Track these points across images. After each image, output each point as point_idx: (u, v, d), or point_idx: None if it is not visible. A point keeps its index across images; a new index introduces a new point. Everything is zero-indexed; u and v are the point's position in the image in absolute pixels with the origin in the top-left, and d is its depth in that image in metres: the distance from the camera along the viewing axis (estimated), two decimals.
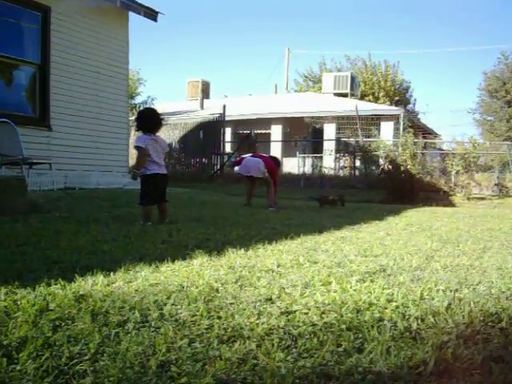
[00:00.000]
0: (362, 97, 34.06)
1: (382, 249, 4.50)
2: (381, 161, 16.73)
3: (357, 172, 19.91)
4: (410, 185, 14.71)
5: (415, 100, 42.38)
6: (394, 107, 27.02)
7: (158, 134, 6.32)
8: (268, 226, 6.01)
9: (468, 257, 4.20)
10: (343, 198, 10.33)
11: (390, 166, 15.35)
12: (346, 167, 20.66)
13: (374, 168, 18.52)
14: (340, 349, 1.88)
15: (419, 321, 2.24)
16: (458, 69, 77.63)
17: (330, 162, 21.65)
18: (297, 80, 42.83)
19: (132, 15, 12.76)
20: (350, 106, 22.54)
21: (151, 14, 12.79)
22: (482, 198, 15.56)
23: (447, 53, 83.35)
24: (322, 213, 8.71)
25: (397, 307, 2.43)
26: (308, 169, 21.46)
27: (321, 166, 21.54)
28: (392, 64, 38.90)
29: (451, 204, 14.19)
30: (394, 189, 14.40)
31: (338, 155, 21.51)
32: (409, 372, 1.68)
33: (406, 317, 2.29)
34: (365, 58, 39.43)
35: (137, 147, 6.05)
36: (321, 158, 22.24)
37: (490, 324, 2.24)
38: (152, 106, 6.96)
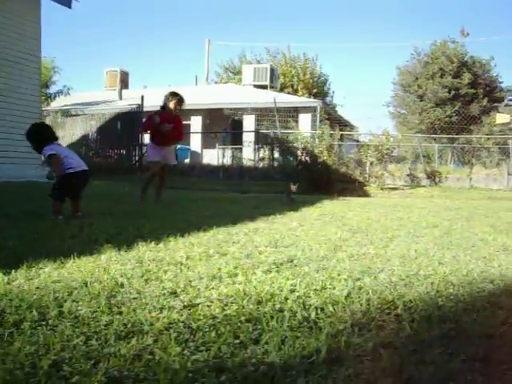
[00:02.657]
0: (282, 89, 34.42)
1: (292, 239, 4.56)
2: (299, 152, 16.98)
3: (275, 163, 20.11)
4: (326, 176, 15.04)
5: (333, 93, 43.33)
6: (311, 99, 27.51)
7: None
8: (182, 219, 5.96)
9: (375, 246, 4.33)
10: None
11: (307, 158, 15.62)
12: (264, 159, 20.83)
13: (292, 159, 18.76)
14: (237, 341, 1.88)
15: (318, 310, 2.29)
16: (373, 63, 79.99)
17: (249, 153, 21.76)
18: (217, 71, 42.80)
19: (44, 1, 12.29)
20: (270, 97, 22.72)
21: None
22: (395, 188, 16.14)
23: (364, 48, 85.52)
24: (237, 204, 8.75)
25: (298, 297, 2.47)
26: (227, 160, 21.50)
27: (240, 158, 21.61)
28: (311, 57, 39.59)
29: (366, 194, 14.63)
30: (311, 180, 14.66)
31: (257, 147, 21.64)
32: (301, 361, 1.71)
33: (307, 307, 2.33)
34: (284, 50, 39.87)
35: (50, 156, 5.82)
36: (240, 149, 22.31)
37: (386, 311, 2.32)
38: (38, 123, 6.60)
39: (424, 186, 16.64)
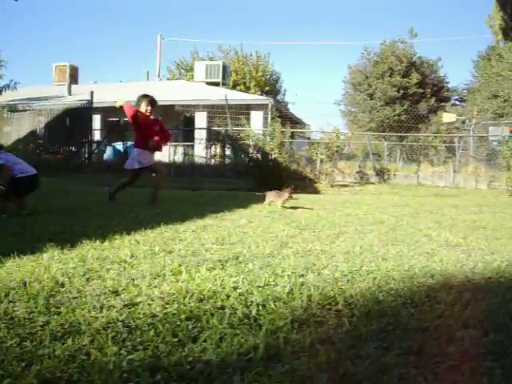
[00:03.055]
0: (234, 86, 34.39)
1: (240, 236, 4.57)
2: (250, 149, 16.98)
3: (227, 160, 20.08)
4: (277, 173, 15.06)
5: (285, 90, 43.59)
6: (263, 97, 27.58)
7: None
8: (130, 216, 5.89)
9: (321, 242, 4.38)
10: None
11: (259, 155, 15.63)
12: (216, 156, 20.76)
13: (243, 156, 18.76)
14: (175, 339, 1.87)
15: (260, 307, 2.29)
16: (325, 62, 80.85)
17: (201, 150, 21.62)
18: (169, 68, 42.37)
19: None
20: (222, 94, 22.64)
21: None
22: (345, 185, 16.34)
23: (316, 46, 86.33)
24: (187, 201, 8.69)
25: (240, 294, 2.47)
26: (179, 157, 21.31)
27: (192, 155, 21.47)
28: (263, 55, 39.66)
29: (316, 191, 14.74)
30: (262, 177, 14.66)
31: (208, 144, 21.54)
32: (239, 359, 1.71)
33: (248, 304, 2.34)
34: (237, 48, 39.84)
35: None
36: (192, 146, 22.15)
37: (326, 307, 2.34)
38: None
39: (373, 183, 16.90)
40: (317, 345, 1.82)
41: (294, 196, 10.75)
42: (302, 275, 2.94)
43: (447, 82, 40.33)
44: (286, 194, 7.69)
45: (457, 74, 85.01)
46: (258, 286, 2.62)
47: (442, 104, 37.03)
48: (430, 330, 2.04)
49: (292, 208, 7.71)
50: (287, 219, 6.24)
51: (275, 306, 2.31)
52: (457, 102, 40.67)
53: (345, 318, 2.16)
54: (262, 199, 8.26)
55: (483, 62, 37.36)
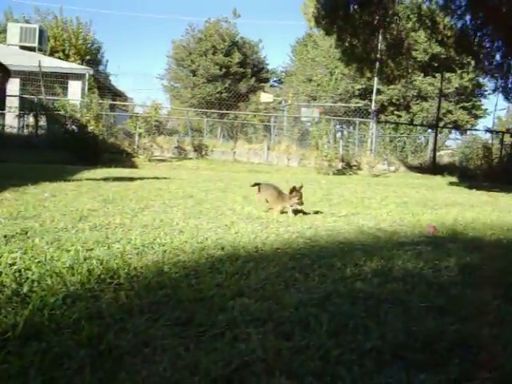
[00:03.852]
0: (52, 53, 32.41)
1: (38, 211, 4.31)
2: (66, 121, 16.16)
3: (42, 131, 18.92)
4: (94, 146, 14.59)
5: (107, 61, 42.05)
6: (82, 66, 26.32)
7: None
8: None
9: (123, 216, 4.27)
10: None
11: (74, 127, 14.97)
12: (29, 126, 19.49)
13: (59, 128, 17.81)
14: None
15: (35, 283, 2.16)
16: (150, 35, 79.42)
17: (12, 120, 20.15)
18: None
19: None
20: (37, 60, 21.22)
21: None
22: (164, 160, 16.27)
23: (141, 18, 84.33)
24: None
25: (16, 271, 2.30)
26: None
27: (2, 125, 19.92)
28: (85, 22, 37.78)
29: (134, 165, 14.50)
30: (78, 150, 14.11)
31: (21, 113, 20.13)
32: None
33: (23, 280, 2.19)
34: (56, 12, 37.47)
35: None
36: (2, 115, 20.54)
37: (107, 281, 2.27)
38: None
39: (191, 159, 17.00)
40: (82, 320, 1.74)
41: (112, 170, 10.51)
42: (92, 249, 2.83)
43: (267, 64, 41.92)
44: (293, 200, 5.14)
45: (277, 56, 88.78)
46: (39, 262, 2.47)
47: (262, 84, 38.36)
48: (205, 299, 2.07)
49: (104, 180, 7.47)
50: (94, 193, 6.03)
51: (52, 281, 2.19)
52: (275, 84, 42.44)
53: (123, 291, 2.10)
54: (73, 172, 7.86)
55: (300, 48, 39.36)
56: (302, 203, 5.14)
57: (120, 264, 2.50)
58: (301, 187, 5.13)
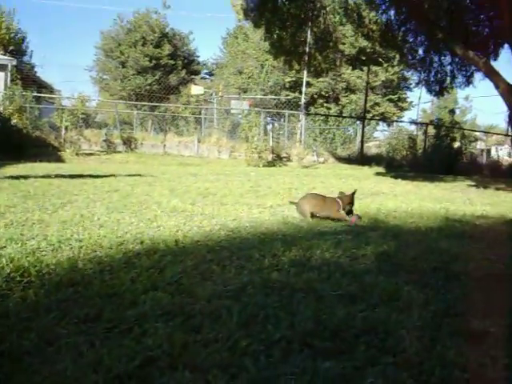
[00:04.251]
0: None
1: None
2: None
3: None
4: (18, 140, 14.10)
5: (32, 52, 40.51)
6: (4, 57, 25.31)
7: None
8: None
9: (42, 212, 4.16)
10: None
11: None
12: None
13: None
14: None
15: None
16: (78, 25, 77.15)
17: None
18: None
19: None
20: None
21: None
22: (92, 154, 15.89)
23: (68, 8, 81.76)
24: None
25: None
26: None
27: None
28: (8, 11, 36.25)
29: (60, 160, 14.09)
30: (0, 144, 13.59)
31: None
32: None
33: None
34: None
35: None
36: None
37: (17, 279, 2.20)
38: None
39: (120, 152, 16.67)
40: None
41: (35, 165, 10.17)
42: (4, 247, 2.74)
43: (198, 56, 41.63)
44: (337, 204, 4.61)
45: (208, 49, 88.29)
46: None
47: (193, 77, 38.08)
48: (117, 295, 2.04)
49: (24, 178, 7.22)
50: (15, 188, 5.83)
51: None
52: (206, 76, 42.22)
53: (32, 289, 2.05)
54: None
55: (231, 40, 39.25)
56: (352, 205, 4.65)
57: (32, 261, 2.43)
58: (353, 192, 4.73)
